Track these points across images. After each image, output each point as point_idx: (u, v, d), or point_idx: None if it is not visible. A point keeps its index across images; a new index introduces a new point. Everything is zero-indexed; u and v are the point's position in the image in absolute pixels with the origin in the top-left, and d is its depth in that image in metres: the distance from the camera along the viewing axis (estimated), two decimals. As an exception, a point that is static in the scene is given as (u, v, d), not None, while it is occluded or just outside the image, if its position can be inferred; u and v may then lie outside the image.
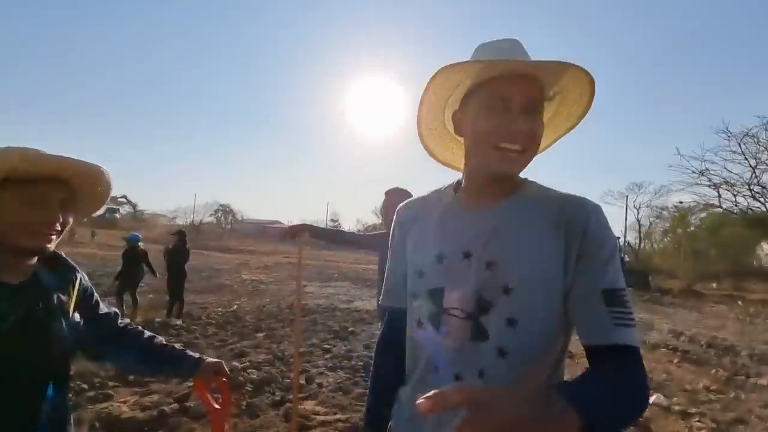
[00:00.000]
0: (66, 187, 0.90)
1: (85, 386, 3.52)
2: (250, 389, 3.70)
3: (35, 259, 0.91)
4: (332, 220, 55.53)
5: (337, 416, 3.26)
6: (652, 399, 3.98)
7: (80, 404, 3.16)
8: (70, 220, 0.92)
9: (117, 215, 45.76)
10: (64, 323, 0.92)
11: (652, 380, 4.78)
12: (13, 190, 0.84)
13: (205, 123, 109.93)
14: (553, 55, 0.81)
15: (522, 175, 0.81)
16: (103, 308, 1.09)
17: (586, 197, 0.76)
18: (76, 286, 0.99)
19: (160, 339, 1.16)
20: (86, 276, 1.07)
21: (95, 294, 1.08)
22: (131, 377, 3.78)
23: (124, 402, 3.27)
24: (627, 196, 37.02)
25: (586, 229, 0.71)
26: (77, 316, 0.98)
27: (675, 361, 5.80)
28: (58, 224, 0.88)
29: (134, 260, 6.64)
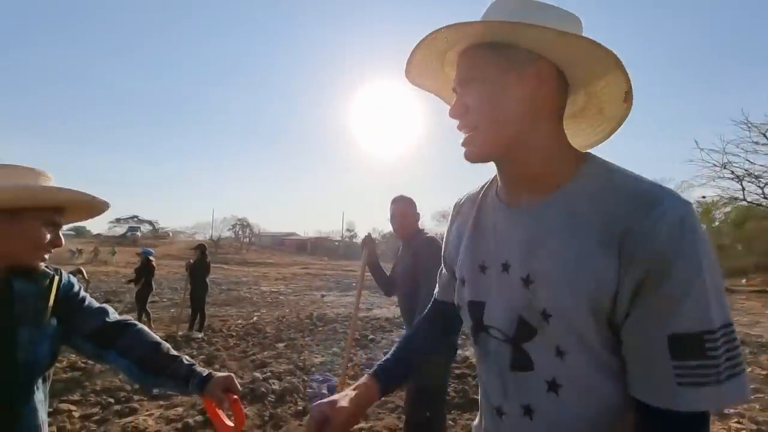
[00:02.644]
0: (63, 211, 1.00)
1: (111, 400, 3.58)
2: (272, 400, 3.71)
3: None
4: (348, 230, 55.74)
5: (360, 425, 3.23)
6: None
7: (107, 418, 3.22)
8: None
9: (138, 233, 47.00)
10: (35, 327, 0.92)
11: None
12: (36, 213, 0.92)
13: (219, 139, 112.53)
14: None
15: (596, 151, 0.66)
16: (90, 305, 1.06)
17: (667, 191, 0.55)
18: (53, 290, 0.99)
19: (167, 349, 1.09)
20: (69, 275, 1.07)
21: (81, 293, 1.07)
22: (156, 390, 3.84)
23: (150, 415, 3.31)
24: (647, 194, 36.09)
25: (649, 245, 0.52)
26: (54, 321, 0.97)
27: (708, 360, 5.57)
28: None
29: (147, 274, 6.86)
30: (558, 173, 0.62)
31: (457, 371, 4.56)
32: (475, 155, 0.63)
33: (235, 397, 1.07)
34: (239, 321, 7.79)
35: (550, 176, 0.62)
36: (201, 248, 7.13)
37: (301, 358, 5.15)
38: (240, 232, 49.68)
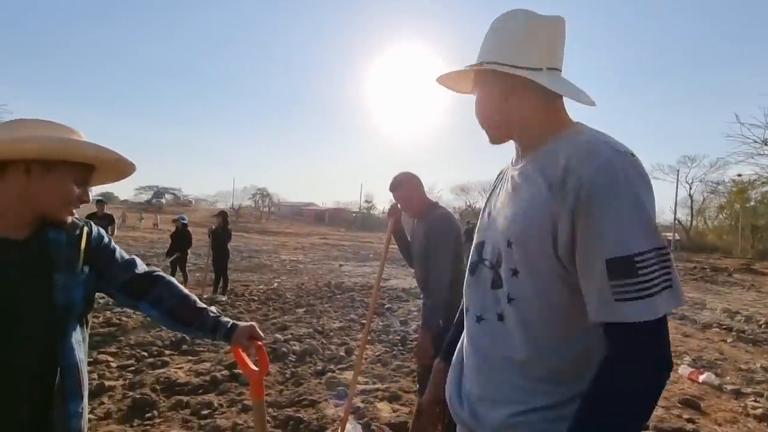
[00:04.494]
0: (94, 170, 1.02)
1: (145, 354, 3.83)
2: (293, 359, 3.89)
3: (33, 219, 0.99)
4: (366, 202, 55.91)
5: (377, 386, 3.37)
6: (702, 377, 3.81)
7: (142, 369, 3.45)
8: None
9: (163, 200, 48.45)
10: (69, 273, 0.98)
11: (702, 359, 4.56)
12: (66, 167, 0.94)
13: (240, 108, 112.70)
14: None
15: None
16: (120, 257, 1.12)
17: (610, 145, 0.68)
18: (84, 240, 1.04)
19: (194, 301, 1.16)
20: (99, 228, 1.12)
21: (111, 244, 1.12)
22: (185, 346, 4.08)
23: (180, 368, 3.54)
24: (678, 170, 34.59)
25: (584, 183, 0.65)
26: (87, 269, 1.03)
27: (729, 340, 5.49)
28: None
29: (184, 239, 7.12)
30: (538, 139, 0.80)
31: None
32: (499, 139, 0.89)
33: (260, 343, 1.14)
34: (260, 286, 8.07)
35: (544, 139, 0.79)
36: (223, 215, 7.32)
37: (320, 322, 5.34)
38: (260, 202, 50.52)
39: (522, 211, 0.74)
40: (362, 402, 3.00)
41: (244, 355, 1.15)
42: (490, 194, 0.96)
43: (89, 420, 2.57)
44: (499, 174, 1.00)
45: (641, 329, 0.61)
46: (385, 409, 2.92)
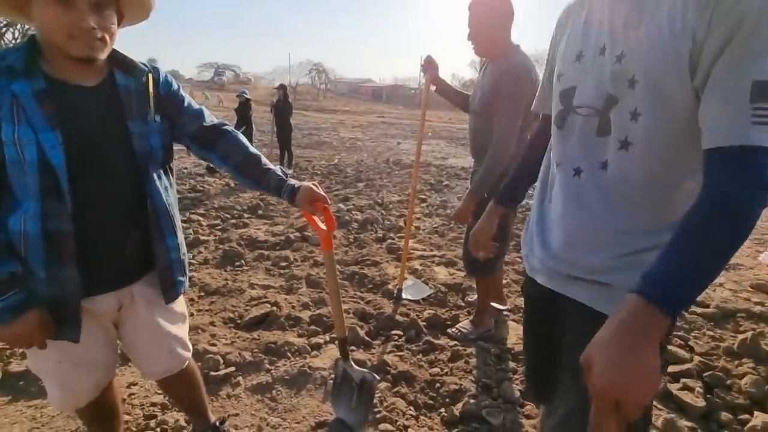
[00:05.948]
0: None
1: (228, 216, 4.33)
2: (355, 227, 4.19)
3: (101, 63, 0.94)
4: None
5: (434, 252, 3.59)
6: (761, 257, 3.57)
7: (227, 228, 3.95)
8: (112, 26, 0.91)
9: (224, 78, 49.02)
10: (142, 121, 0.99)
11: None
12: None
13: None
14: None
15: None
16: (190, 106, 1.12)
17: None
18: (151, 86, 1.02)
19: (258, 160, 1.18)
20: (167, 75, 1.09)
21: (180, 92, 1.11)
22: (260, 211, 4.53)
23: (258, 229, 3.99)
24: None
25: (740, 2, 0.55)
26: (158, 117, 1.04)
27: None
28: (97, 30, 0.87)
29: (247, 112, 7.35)
30: None
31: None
32: None
33: (325, 206, 1.19)
34: (322, 162, 8.38)
35: None
36: (283, 88, 7.32)
37: (380, 196, 5.56)
38: (316, 78, 49.31)
39: (655, 39, 0.63)
40: (420, 265, 3.25)
41: (314, 216, 1.25)
42: (569, 30, 0.82)
43: (191, 264, 3.08)
44: (572, 7, 0.84)
45: (762, 153, 0.55)
46: (441, 272, 3.15)
